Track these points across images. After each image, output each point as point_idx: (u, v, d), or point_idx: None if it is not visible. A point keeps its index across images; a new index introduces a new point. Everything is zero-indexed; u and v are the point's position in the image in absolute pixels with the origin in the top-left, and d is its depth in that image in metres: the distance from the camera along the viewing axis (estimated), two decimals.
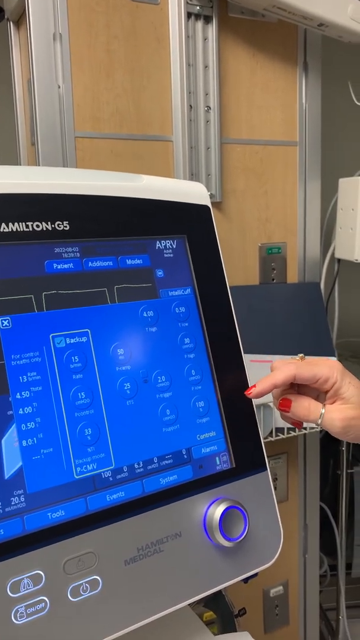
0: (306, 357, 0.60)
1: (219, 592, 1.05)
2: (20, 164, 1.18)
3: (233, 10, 1.13)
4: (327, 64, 1.28)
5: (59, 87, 1.01)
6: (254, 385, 0.58)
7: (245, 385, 0.61)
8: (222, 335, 0.61)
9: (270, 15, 1.12)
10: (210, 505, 0.55)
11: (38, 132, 1.00)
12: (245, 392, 0.58)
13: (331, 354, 1.23)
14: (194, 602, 0.68)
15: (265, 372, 1.25)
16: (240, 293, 1.22)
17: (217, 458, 0.58)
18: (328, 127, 1.34)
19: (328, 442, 1.51)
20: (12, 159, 1.23)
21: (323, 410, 0.57)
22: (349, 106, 1.24)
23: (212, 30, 1.10)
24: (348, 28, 1.12)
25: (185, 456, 0.56)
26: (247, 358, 1.27)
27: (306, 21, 1.11)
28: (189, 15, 1.08)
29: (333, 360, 0.58)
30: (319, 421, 0.57)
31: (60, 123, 1.01)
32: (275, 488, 1.31)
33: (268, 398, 1.14)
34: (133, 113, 1.07)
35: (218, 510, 0.54)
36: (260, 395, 0.57)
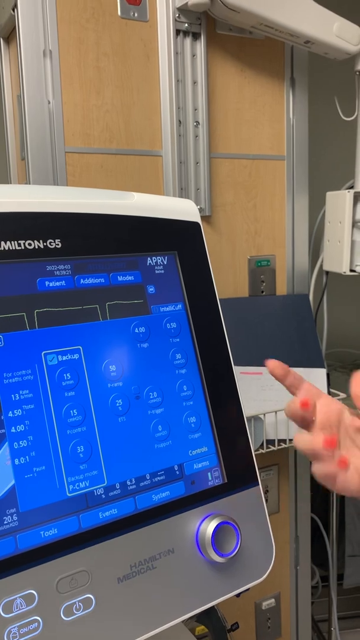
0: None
1: (212, 606, 1.04)
2: (10, 179, 1.18)
3: (221, 27, 1.15)
4: (314, 80, 1.30)
5: (49, 102, 1.01)
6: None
7: (236, 400, 0.61)
8: (213, 351, 0.62)
9: (257, 32, 1.14)
10: (203, 521, 0.55)
11: (28, 147, 1.01)
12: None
13: (320, 365, 1.24)
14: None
15: (254, 384, 1.25)
16: (230, 305, 1.23)
17: (209, 473, 0.58)
18: (315, 141, 1.36)
19: None
20: (1, 174, 1.23)
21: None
22: (336, 121, 1.26)
23: (201, 46, 1.12)
24: (334, 45, 1.14)
25: (178, 472, 0.56)
26: (237, 370, 1.27)
27: (293, 38, 1.13)
28: (177, 32, 1.09)
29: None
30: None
31: (50, 138, 1.02)
32: (266, 500, 1.31)
33: (258, 410, 1.14)
34: (123, 128, 1.08)
35: (210, 526, 0.55)
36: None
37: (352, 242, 1.23)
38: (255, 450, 1.15)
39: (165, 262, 0.60)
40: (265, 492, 1.29)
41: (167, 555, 0.53)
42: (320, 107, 1.36)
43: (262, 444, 1.16)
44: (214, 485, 0.58)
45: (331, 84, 1.32)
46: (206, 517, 0.56)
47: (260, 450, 1.16)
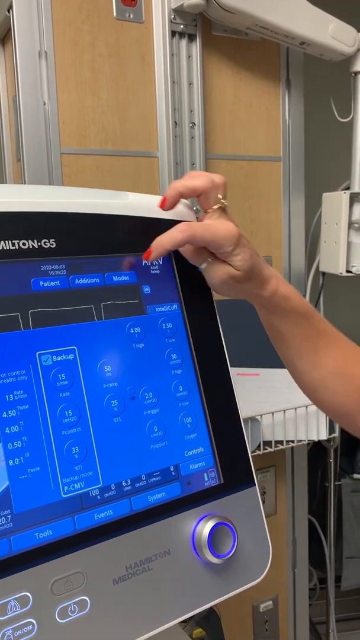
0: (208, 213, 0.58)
1: (211, 610, 1.04)
2: (5, 180, 1.18)
3: (216, 28, 1.15)
4: (309, 81, 1.30)
5: (45, 103, 1.01)
6: (150, 251, 0.56)
7: (232, 401, 0.61)
8: (209, 351, 0.61)
9: (253, 33, 1.14)
10: (199, 522, 0.55)
11: (24, 148, 1.00)
12: (143, 257, 0.57)
13: None
14: (187, 620, 0.68)
15: (251, 385, 1.25)
16: (227, 307, 1.22)
17: (205, 474, 0.58)
18: (311, 142, 1.36)
19: (316, 454, 1.52)
20: None
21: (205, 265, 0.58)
22: (332, 122, 1.26)
23: (196, 48, 1.12)
24: (329, 46, 1.14)
25: (174, 473, 0.56)
26: (233, 371, 1.27)
27: (288, 40, 1.13)
28: (173, 33, 1.09)
29: (232, 228, 0.57)
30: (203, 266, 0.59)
31: (46, 139, 1.02)
32: (263, 502, 1.30)
33: (255, 411, 1.14)
34: (118, 130, 1.07)
35: (207, 527, 0.54)
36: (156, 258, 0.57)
37: (349, 243, 1.23)
38: (252, 452, 1.15)
39: (160, 262, 0.60)
40: (262, 493, 1.29)
41: (163, 556, 0.53)
42: (316, 108, 1.36)
43: (259, 445, 1.16)
44: (210, 486, 0.58)
45: (327, 85, 1.33)
46: (202, 518, 0.55)
47: (257, 452, 1.16)
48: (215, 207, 0.58)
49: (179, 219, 0.62)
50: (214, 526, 0.54)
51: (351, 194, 1.22)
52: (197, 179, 0.57)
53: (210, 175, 0.58)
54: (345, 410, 0.65)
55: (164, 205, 0.57)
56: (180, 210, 0.61)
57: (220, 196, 0.58)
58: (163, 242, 0.56)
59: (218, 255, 0.58)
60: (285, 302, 0.60)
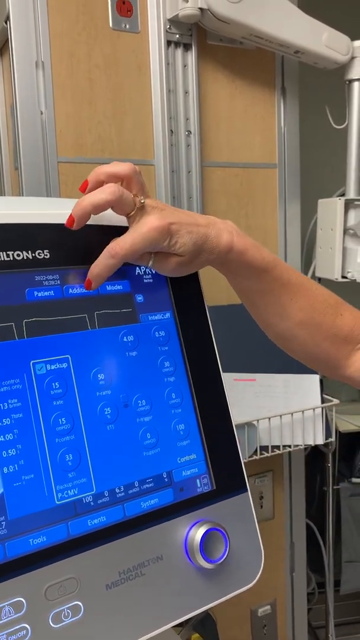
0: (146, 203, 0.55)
1: (207, 614, 1.04)
2: (3, 189, 1.19)
3: (212, 38, 1.16)
4: (304, 89, 1.31)
5: (42, 113, 1.02)
6: (90, 281, 0.55)
7: (225, 407, 0.62)
8: (202, 358, 0.62)
9: (248, 42, 1.16)
10: (191, 527, 0.56)
11: (21, 157, 1.02)
12: (85, 287, 0.55)
13: (313, 371, 1.24)
14: (183, 624, 0.68)
15: (248, 391, 1.26)
16: (224, 312, 1.23)
17: (197, 480, 0.59)
18: (307, 149, 1.37)
19: (314, 458, 1.52)
20: None
21: (150, 263, 0.57)
22: (327, 129, 1.27)
23: (192, 57, 1.13)
24: (323, 55, 1.15)
25: (166, 479, 0.57)
26: (231, 377, 1.27)
27: (282, 48, 1.15)
28: (168, 43, 1.11)
29: (157, 224, 0.54)
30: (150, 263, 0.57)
31: (43, 148, 1.03)
32: (261, 506, 1.31)
33: (252, 416, 1.15)
34: (115, 138, 1.09)
35: (199, 533, 0.55)
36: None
37: (344, 249, 1.24)
38: (249, 457, 1.15)
39: (153, 271, 0.61)
40: (260, 498, 1.29)
41: (156, 562, 0.54)
42: (311, 116, 1.37)
43: (256, 450, 1.17)
44: (203, 492, 0.59)
45: (322, 92, 1.34)
46: (195, 523, 0.56)
47: (254, 457, 1.16)
48: (132, 212, 0.55)
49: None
50: (206, 532, 0.55)
51: (346, 200, 1.23)
52: (105, 191, 0.53)
53: (115, 173, 0.55)
54: (317, 357, 0.66)
55: (72, 225, 0.54)
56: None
57: (132, 195, 0.54)
58: (101, 274, 0.54)
59: (159, 251, 0.57)
60: (241, 257, 0.59)
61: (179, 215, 0.57)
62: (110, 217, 0.56)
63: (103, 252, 0.55)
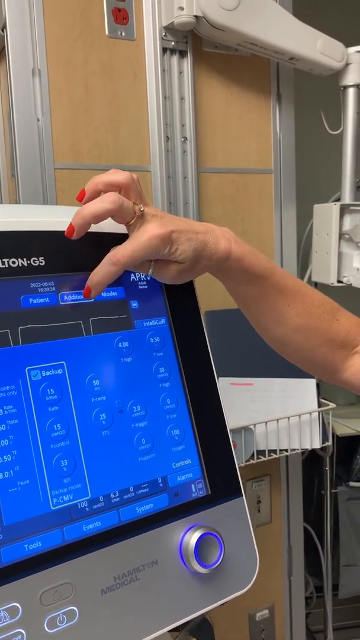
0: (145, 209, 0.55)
1: (204, 619, 1.05)
2: (0, 197, 1.20)
3: (207, 45, 1.17)
4: (300, 95, 1.32)
5: (39, 120, 1.03)
6: (89, 289, 0.54)
7: (220, 412, 0.62)
8: (197, 364, 0.63)
9: (243, 49, 1.17)
10: (186, 532, 0.56)
11: (18, 164, 1.02)
12: (84, 294, 0.55)
13: (310, 375, 1.25)
14: (180, 629, 0.68)
15: (245, 395, 1.26)
16: (220, 317, 1.24)
17: (192, 485, 0.59)
18: (302, 155, 1.38)
19: (312, 462, 1.53)
20: None
21: (150, 271, 0.57)
22: (322, 134, 1.28)
23: (187, 64, 1.14)
24: (317, 62, 1.16)
25: (161, 484, 0.57)
26: (227, 381, 1.28)
27: (277, 55, 1.16)
28: (164, 50, 1.12)
29: (157, 232, 0.54)
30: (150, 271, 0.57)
31: (40, 155, 1.04)
32: (258, 511, 1.32)
33: (249, 421, 1.15)
34: (111, 145, 1.09)
35: (194, 538, 0.55)
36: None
37: (340, 254, 1.24)
38: (246, 461, 1.16)
39: (148, 278, 0.62)
40: (257, 502, 1.30)
41: (151, 566, 0.54)
42: (307, 121, 1.38)
43: (253, 455, 1.17)
44: (198, 497, 0.59)
45: (317, 98, 1.35)
46: (189, 528, 0.56)
47: (252, 461, 1.17)
48: (132, 220, 0.55)
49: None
50: (200, 536, 0.55)
51: (342, 205, 1.23)
52: (106, 200, 0.53)
53: (114, 182, 0.55)
54: (314, 362, 0.67)
55: (72, 234, 0.54)
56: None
57: (132, 204, 0.55)
58: (101, 281, 0.54)
59: (159, 259, 0.57)
60: (239, 264, 0.59)
61: (178, 222, 0.57)
62: (103, 225, 0.57)
63: (104, 259, 0.55)
